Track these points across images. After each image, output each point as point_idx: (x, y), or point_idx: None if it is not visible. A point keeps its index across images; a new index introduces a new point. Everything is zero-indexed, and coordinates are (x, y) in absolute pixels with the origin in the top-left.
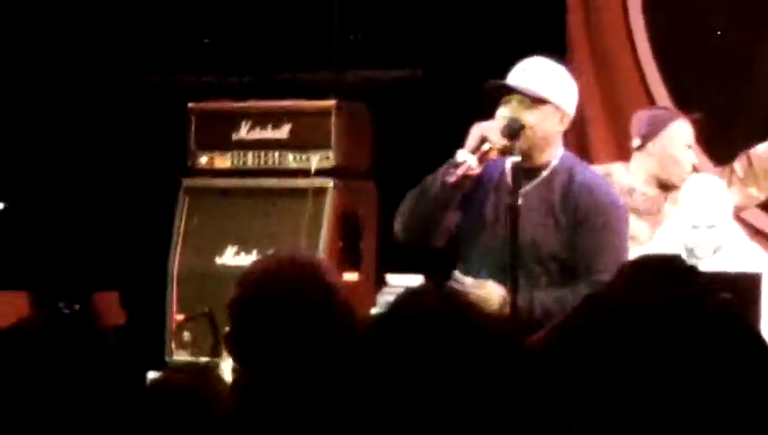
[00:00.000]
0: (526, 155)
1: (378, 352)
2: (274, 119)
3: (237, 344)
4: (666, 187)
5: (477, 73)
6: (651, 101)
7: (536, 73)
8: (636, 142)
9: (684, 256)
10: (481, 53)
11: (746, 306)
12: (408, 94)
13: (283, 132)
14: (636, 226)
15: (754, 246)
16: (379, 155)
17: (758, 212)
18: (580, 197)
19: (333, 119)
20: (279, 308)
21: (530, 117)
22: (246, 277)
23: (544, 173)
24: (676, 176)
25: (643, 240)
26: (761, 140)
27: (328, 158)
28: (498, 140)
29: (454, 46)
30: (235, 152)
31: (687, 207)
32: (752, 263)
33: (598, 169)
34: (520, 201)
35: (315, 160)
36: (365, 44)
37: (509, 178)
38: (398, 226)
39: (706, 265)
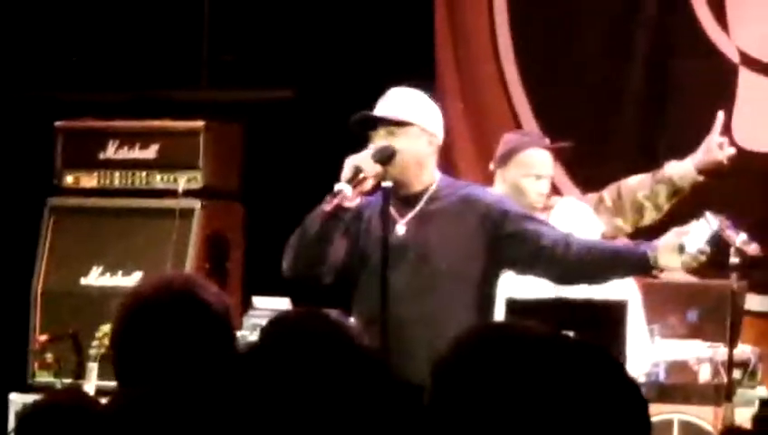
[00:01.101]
0: (404, 183)
1: (257, 371)
2: (142, 138)
3: (119, 364)
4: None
5: (348, 96)
6: (519, 127)
7: (396, 100)
8: (491, 167)
9: (550, 284)
10: (352, 76)
11: (612, 332)
12: (280, 115)
13: (151, 152)
14: None
15: None
16: (249, 176)
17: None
18: (478, 204)
19: (202, 139)
20: (159, 326)
21: (398, 142)
22: (129, 297)
23: (426, 197)
24: (526, 206)
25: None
26: (627, 167)
27: (196, 178)
28: (372, 170)
29: (326, 68)
30: (102, 171)
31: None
32: (617, 291)
33: None
34: (402, 231)
35: (183, 181)
36: (237, 64)
37: (391, 209)
38: (284, 264)
39: (573, 292)
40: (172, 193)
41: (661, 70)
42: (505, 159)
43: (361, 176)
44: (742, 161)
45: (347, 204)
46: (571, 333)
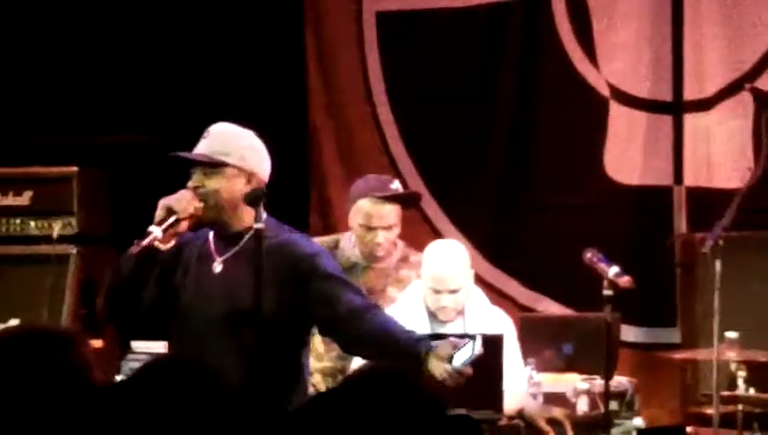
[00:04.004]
0: (222, 223)
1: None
2: (15, 185)
3: None
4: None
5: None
6: (395, 166)
7: (214, 139)
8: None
9: (426, 319)
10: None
11: (490, 365)
12: (144, 159)
13: (25, 199)
14: None
15: (496, 310)
16: (117, 220)
17: (498, 273)
18: (291, 254)
19: (75, 185)
20: (16, 378)
21: (212, 183)
22: None
23: (246, 237)
24: (365, 254)
25: None
26: (499, 202)
27: (71, 224)
28: (184, 211)
29: (190, 113)
30: None
31: (429, 273)
32: (494, 326)
33: (326, 239)
34: (218, 269)
35: (58, 227)
36: (104, 111)
37: (211, 246)
38: (98, 304)
39: (450, 328)
40: (47, 239)
41: (531, 104)
42: (348, 206)
43: (173, 218)
44: (612, 194)
45: (160, 246)
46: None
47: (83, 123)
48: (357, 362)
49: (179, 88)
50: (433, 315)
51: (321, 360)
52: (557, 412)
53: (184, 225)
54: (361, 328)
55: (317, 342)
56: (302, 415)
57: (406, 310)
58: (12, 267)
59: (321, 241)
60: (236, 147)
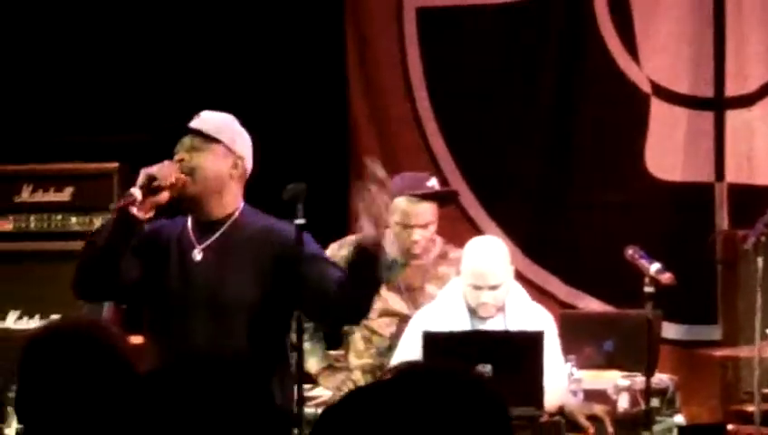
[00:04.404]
0: (203, 204)
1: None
2: (56, 181)
3: (23, 409)
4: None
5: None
6: (436, 165)
7: (207, 119)
8: None
9: (467, 316)
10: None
11: (529, 363)
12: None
13: (66, 195)
14: (395, 302)
15: (536, 306)
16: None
17: (539, 269)
18: (277, 236)
19: (115, 181)
20: (61, 372)
21: (201, 157)
22: (30, 343)
23: (226, 225)
24: (402, 251)
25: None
26: (540, 198)
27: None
28: (165, 179)
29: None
30: (18, 215)
31: (469, 269)
32: (535, 322)
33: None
34: (198, 257)
35: (98, 222)
36: (144, 108)
37: (190, 234)
38: (73, 282)
39: (490, 325)
40: (88, 235)
41: (572, 101)
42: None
43: (155, 184)
44: (654, 191)
45: (138, 214)
46: (488, 366)
47: (122, 120)
48: (396, 359)
49: (220, 87)
50: (473, 312)
51: (361, 357)
52: (598, 409)
53: (165, 195)
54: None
55: (357, 339)
56: (350, 406)
57: (445, 307)
58: (53, 263)
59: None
60: (229, 129)
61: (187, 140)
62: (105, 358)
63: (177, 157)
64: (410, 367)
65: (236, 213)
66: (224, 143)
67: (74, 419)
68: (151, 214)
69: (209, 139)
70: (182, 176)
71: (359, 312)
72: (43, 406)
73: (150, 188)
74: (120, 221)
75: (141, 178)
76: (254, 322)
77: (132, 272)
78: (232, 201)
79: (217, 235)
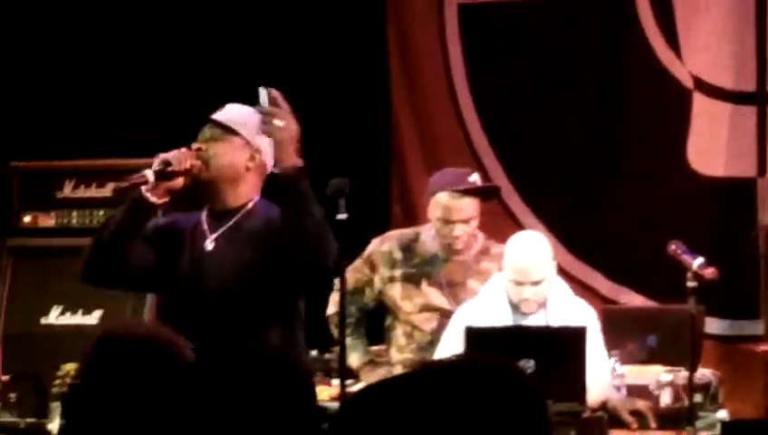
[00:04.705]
0: (217, 193)
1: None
2: (99, 177)
3: (79, 406)
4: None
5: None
6: (477, 159)
7: (231, 111)
8: None
9: (509, 312)
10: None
11: (571, 359)
12: None
13: (108, 190)
14: (435, 298)
15: (579, 301)
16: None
17: (581, 265)
18: (269, 229)
19: None
20: (128, 375)
21: (217, 147)
22: (99, 343)
23: (239, 215)
24: (444, 247)
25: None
26: (581, 194)
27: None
28: (180, 164)
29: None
30: (60, 211)
31: (511, 264)
32: (577, 318)
33: (406, 232)
34: (210, 246)
35: None
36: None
37: (204, 224)
38: (82, 266)
39: (532, 320)
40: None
41: (615, 96)
42: (427, 199)
43: (169, 169)
44: (696, 185)
45: (150, 197)
46: (530, 361)
47: (165, 117)
48: (438, 355)
49: (262, 83)
50: (515, 308)
51: (402, 352)
52: (640, 404)
53: (179, 181)
54: None
55: (398, 334)
56: (388, 392)
57: (487, 302)
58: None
59: (401, 233)
60: (249, 122)
61: (206, 130)
62: (170, 365)
63: (194, 145)
64: (442, 363)
65: (250, 204)
66: (242, 136)
67: (130, 421)
68: (165, 199)
69: (228, 130)
70: (197, 162)
71: (306, 244)
72: (102, 406)
73: (164, 173)
74: (133, 204)
75: (156, 163)
76: (260, 310)
77: (144, 259)
78: (247, 192)
79: (230, 224)
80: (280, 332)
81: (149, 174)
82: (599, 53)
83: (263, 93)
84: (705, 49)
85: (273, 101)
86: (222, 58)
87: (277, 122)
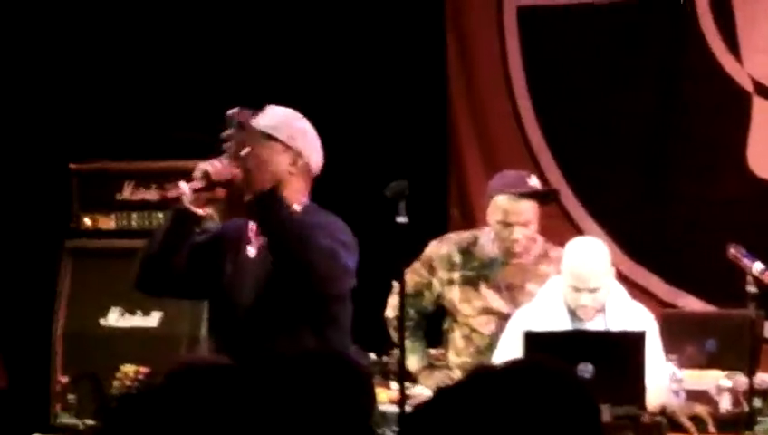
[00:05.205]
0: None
1: None
2: (158, 179)
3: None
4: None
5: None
6: (535, 161)
7: (267, 115)
8: None
9: (567, 316)
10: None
11: (631, 363)
12: None
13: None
14: (494, 301)
15: (637, 305)
16: None
17: (639, 268)
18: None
19: None
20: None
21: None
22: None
23: None
24: (503, 250)
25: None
26: (639, 195)
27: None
28: (217, 174)
29: (333, 110)
30: (119, 213)
31: (569, 271)
32: (635, 322)
33: (465, 235)
34: (252, 253)
35: None
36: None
37: (250, 231)
38: (133, 276)
39: (590, 324)
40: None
41: (674, 99)
42: (486, 202)
43: (208, 179)
44: (756, 189)
45: (192, 207)
46: (589, 365)
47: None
48: (496, 358)
49: (322, 85)
50: (573, 313)
51: (461, 355)
52: (699, 409)
53: (220, 191)
54: None
55: (457, 337)
56: (451, 398)
57: (545, 306)
58: None
59: (460, 236)
60: (287, 126)
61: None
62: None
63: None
64: (499, 369)
65: (298, 207)
66: (281, 141)
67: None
68: (208, 210)
69: (265, 135)
70: (237, 171)
71: (300, 263)
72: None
73: (204, 184)
74: (176, 216)
75: (195, 174)
76: (289, 317)
77: (195, 267)
78: (292, 197)
79: None
80: (311, 337)
81: (184, 187)
82: (657, 55)
83: (230, 118)
84: (764, 52)
85: (239, 126)
86: (282, 61)
87: (245, 150)
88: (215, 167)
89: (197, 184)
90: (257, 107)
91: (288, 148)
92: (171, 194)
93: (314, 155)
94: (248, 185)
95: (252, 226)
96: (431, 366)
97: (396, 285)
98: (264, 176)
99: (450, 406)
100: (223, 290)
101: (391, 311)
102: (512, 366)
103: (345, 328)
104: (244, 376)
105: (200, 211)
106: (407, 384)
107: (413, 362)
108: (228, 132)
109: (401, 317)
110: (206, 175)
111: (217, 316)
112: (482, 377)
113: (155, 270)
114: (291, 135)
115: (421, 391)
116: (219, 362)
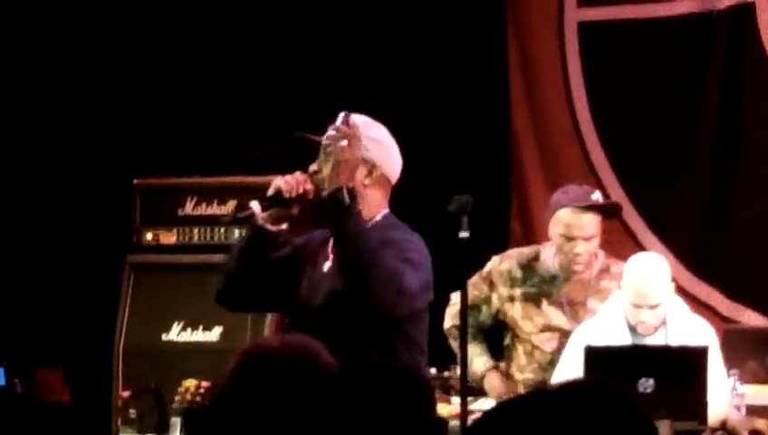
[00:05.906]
0: None
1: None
2: (220, 194)
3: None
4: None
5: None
6: (596, 176)
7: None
8: None
9: (627, 332)
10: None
11: (693, 378)
12: None
13: (229, 208)
14: (555, 317)
15: (698, 319)
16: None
17: (700, 283)
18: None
19: None
20: (273, 392)
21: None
22: (246, 359)
23: None
24: (564, 265)
25: (567, 329)
26: (701, 211)
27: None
28: (290, 190)
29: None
30: (181, 228)
31: (630, 287)
32: (696, 336)
33: (526, 250)
34: (327, 266)
35: None
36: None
37: (328, 244)
38: (216, 293)
39: (651, 339)
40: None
41: (735, 113)
42: (548, 216)
43: (281, 196)
44: None
45: (266, 225)
46: (650, 380)
47: (286, 131)
48: (558, 376)
49: (383, 97)
50: (633, 328)
51: (523, 371)
52: (760, 424)
53: (293, 208)
54: None
55: (519, 353)
56: (508, 412)
57: (606, 322)
58: (216, 276)
59: (520, 252)
60: (366, 139)
61: (320, 152)
62: (317, 382)
63: (311, 168)
64: (554, 388)
65: (372, 222)
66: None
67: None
68: (283, 226)
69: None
70: (309, 187)
71: (358, 282)
72: (244, 422)
73: (277, 200)
74: (252, 234)
75: (270, 190)
76: (353, 332)
77: (273, 282)
78: (369, 210)
79: None
80: (379, 353)
81: (255, 206)
82: (719, 70)
83: (341, 116)
84: None
85: (347, 124)
86: (346, 72)
87: (342, 142)
88: (287, 183)
89: (266, 203)
90: (315, 118)
91: (363, 159)
92: (243, 214)
93: (391, 163)
94: (330, 180)
95: (332, 241)
96: (497, 368)
97: (453, 296)
98: (348, 174)
99: (506, 423)
100: (296, 303)
101: (449, 321)
102: (568, 387)
103: (417, 343)
104: (311, 378)
105: (274, 229)
106: (469, 398)
107: (479, 365)
108: (337, 126)
109: (464, 330)
110: (278, 191)
111: (292, 329)
112: (538, 397)
113: (236, 287)
114: (364, 146)
115: (481, 405)
116: (295, 355)
